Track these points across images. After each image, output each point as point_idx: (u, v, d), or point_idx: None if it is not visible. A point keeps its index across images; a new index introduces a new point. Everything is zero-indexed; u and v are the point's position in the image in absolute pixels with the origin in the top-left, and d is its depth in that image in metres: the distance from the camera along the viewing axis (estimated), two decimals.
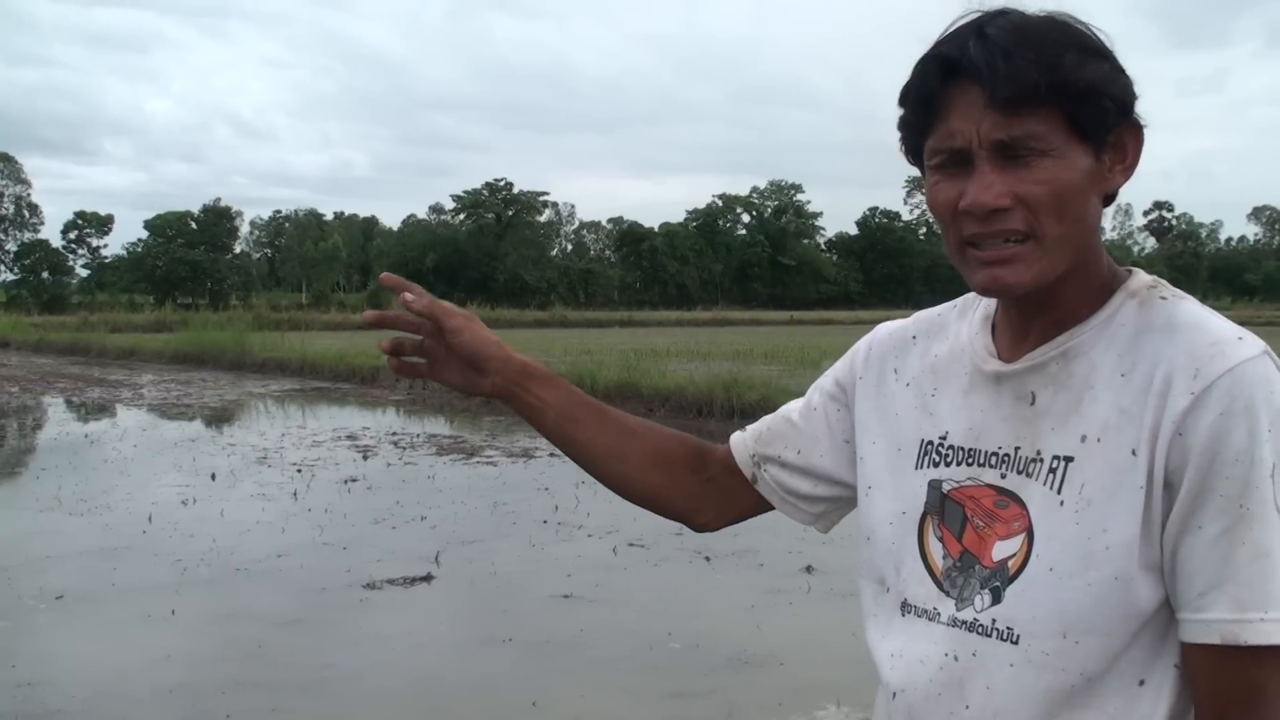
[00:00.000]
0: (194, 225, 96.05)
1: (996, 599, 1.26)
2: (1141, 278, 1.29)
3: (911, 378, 1.44)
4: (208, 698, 5.62)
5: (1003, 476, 1.29)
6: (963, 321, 1.41)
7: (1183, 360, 1.17)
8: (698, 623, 6.94)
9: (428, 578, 7.88)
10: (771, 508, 1.64)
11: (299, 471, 12.61)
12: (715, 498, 1.65)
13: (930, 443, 1.38)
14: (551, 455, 13.96)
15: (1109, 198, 1.27)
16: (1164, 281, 1.29)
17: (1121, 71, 1.22)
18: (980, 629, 1.27)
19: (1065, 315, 1.27)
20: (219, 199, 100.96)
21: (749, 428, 1.64)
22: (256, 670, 6.07)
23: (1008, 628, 1.24)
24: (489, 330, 1.63)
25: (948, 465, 1.35)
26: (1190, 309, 1.23)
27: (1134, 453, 1.18)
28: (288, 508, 10.50)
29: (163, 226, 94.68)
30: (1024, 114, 1.17)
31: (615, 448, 1.67)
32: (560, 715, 5.46)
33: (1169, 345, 1.20)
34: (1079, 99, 1.17)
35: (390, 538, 9.24)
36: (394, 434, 16.30)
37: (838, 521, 1.62)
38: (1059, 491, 1.23)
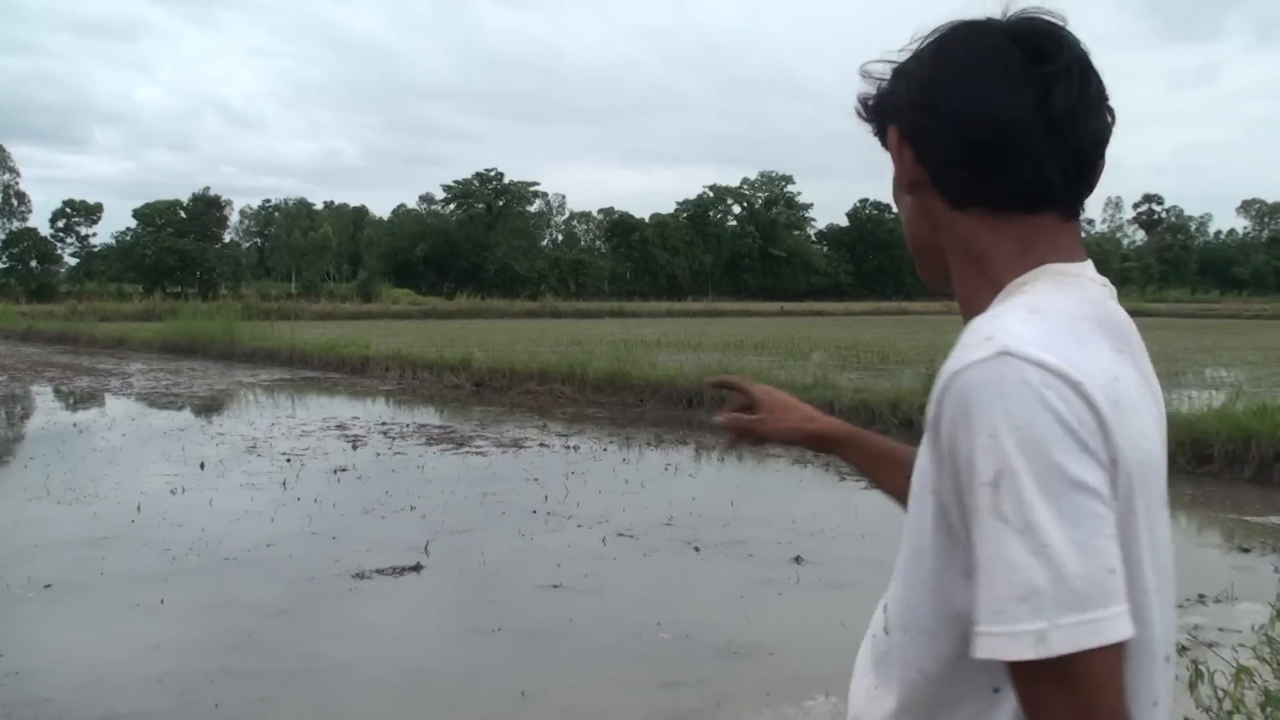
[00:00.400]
0: (183, 214, 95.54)
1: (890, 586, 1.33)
2: (1031, 273, 1.26)
3: None
4: (196, 687, 5.61)
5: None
6: None
7: (946, 363, 1.17)
8: (687, 613, 6.95)
9: (417, 567, 7.88)
10: None
11: (288, 461, 12.59)
12: None
13: None
14: (541, 445, 13.97)
15: (974, 190, 1.26)
16: (1055, 272, 1.26)
17: (882, 86, 1.35)
18: (884, 612, 1.33)
19: (968, 315, 1.29)
20: (208, 188, 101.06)
21: None
22: (245, 659, 6.06)
23: (887, 618, 1.30)
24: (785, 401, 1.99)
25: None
26: (999, 309, 1.21)
27: (931, 455, 1.20)
28: (277, 497, 10.48)
29: (152, 215, 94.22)
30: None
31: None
32: (549, 705, 5.46)
33: (954, 347, 1.19)
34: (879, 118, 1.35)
35: (379, 527, 9.23)
36: (383, 424, 16.28)
37: None
38: (916, 491, 1.25)
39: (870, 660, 1.35)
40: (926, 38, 1.31)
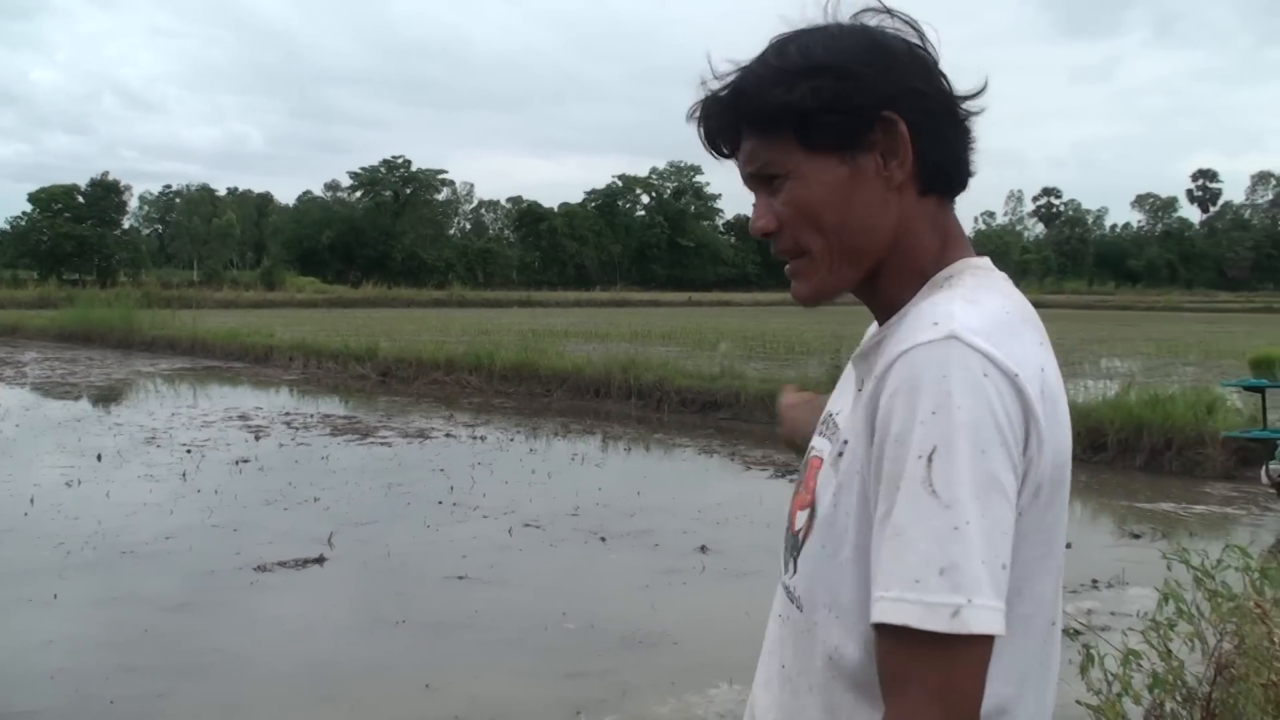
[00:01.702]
0: (81, 199, 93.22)
1: (796, 569, 1.32)
2: (956, 266, 1.31)
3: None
4: (92, 683, 5.50)
5: (812, 448, 1.38)
6: None
7: (889, 345, 1.21)
8: (593, 603, 6.95)
9: (320, 560, 7.79)
10: None
11: (189, 452, 12.36)
12: None
13: (828, 415, 1.44)
14: (448, 436, 13.89)
15: (940, 180, 1.30)
16: (981, 268, 1.31)
17: (855, 76, 1.24)
18: (791, 595, 1.33)
19: (893, 308, 1.31)
20: (107, 172, 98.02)
21: None
22: (143, 655, 5.95)
23: (799, 595, 1.31)
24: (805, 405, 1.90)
25: (819, 436, 1.42)
26: (939, 296, 1.25)
27: (862, 436, 1.23)
28: (177, 489, 10.30)
29: (47, 200, 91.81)
30: (758, 143, 1.29)
31: None
32: (454, 697, 5.44)
33: (896, 333, 1.23)
34: (793, 121, 1.25)
35: (282, 519, 9.11)
36: (287, 414, 16.07)
37: None
38: (837, 472, 1.27)
39: (779, 640, 1.36)
40: (821, 38, 1.28)
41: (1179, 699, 3.41)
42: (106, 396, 18.72)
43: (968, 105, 1.30)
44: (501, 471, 11.14)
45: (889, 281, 1.31)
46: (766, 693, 1.39)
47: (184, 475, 10.93)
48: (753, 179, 1.32)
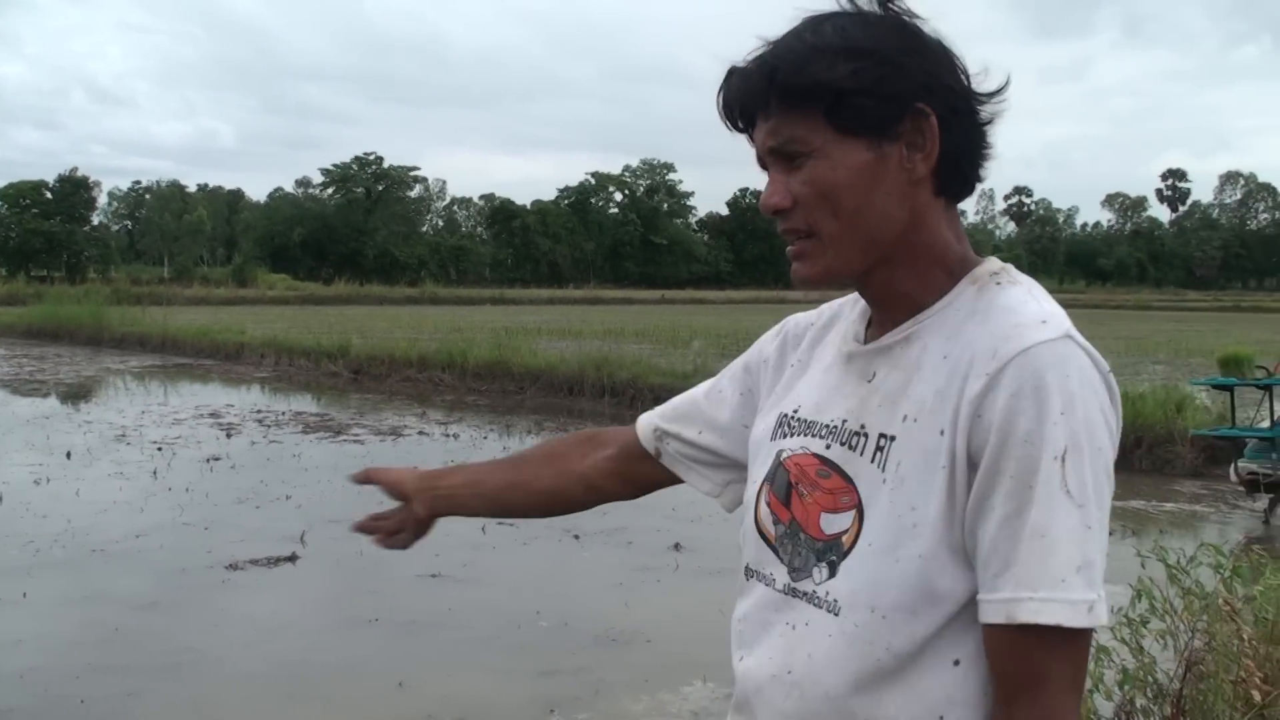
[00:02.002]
0: (49, 195, 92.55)
1: (833, 573, 1.28)
2: (989, 265, 1.31)
3: (798, 360, 1.48)
4: (61, 682, 5.46)
5: (827, 447, 1.32)
6: (854, 311, 1.44)
7: (986, 342, 1.20)
8: (566, 601, 6.95)
9: (292, 558, 7.76)
10: (677, 482, 1.67)
11: (159, 450, 12.29)
12: (620, 471, 1.69)
13: (785, 415, 1.41)
14: (420, 434, 13.86)
15: (956, 182, 1.29)
16: (1011, 268, 1.32)
17: (896, 65, 1.23)
18: (816, 600, 1.29)
19: (913, 304, 1.30)
20: (75, 168, 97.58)
21: (658, 407, 1.69)
22: (113, 654, 5.91)
23: (835, 600, 1.27)
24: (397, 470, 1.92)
25: (791, 437, 1.38)
26: (1014, 294, 1.26)
27: (942, 433, 1.21)
28: (147, 487, 10.23)
29: (16, 196, 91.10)
30: (786, 119, 1.26)
31: (522, 474, 1.77)
32: (427, 695, 5.42)
33: (981, 328, 1.22)
34: (828, 100, 1.23)
35: (254, 517, 9.07)
36: (259, 411, 15.99)
37: (734, 499, 1.62)
38: (882, 469, 1.25)
39: (785, 649, 1.31)
40: (858, 22, 1.25)
41: (1149, 695, 3.44)
42: (76, 394, 18.59)
43: (990, 107, 1.29)
44: None
45: (904, 275, 1.29)
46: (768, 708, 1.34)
47: (154, 473, 10.87)
48: (772, 154, 1.28)
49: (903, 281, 1.30)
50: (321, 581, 7.48)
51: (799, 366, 1.47)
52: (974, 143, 1.29)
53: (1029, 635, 1.15)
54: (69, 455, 11.83)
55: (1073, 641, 1.15)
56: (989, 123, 1.30)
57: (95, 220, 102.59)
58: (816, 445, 1.34)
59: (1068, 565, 1.14)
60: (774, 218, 1.30)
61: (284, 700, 5.40)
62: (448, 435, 13.80)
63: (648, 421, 1.66)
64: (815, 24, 1.26)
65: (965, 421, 1.19)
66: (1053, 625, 1.13)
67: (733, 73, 1.30)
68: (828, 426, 1.33)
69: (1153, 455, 11.66)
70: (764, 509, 1.38)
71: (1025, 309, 1.22)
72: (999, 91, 1.29)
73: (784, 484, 1.36)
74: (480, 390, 18.77)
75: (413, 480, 1.84)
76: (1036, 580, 1.14)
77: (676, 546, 8.13)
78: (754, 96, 1.27)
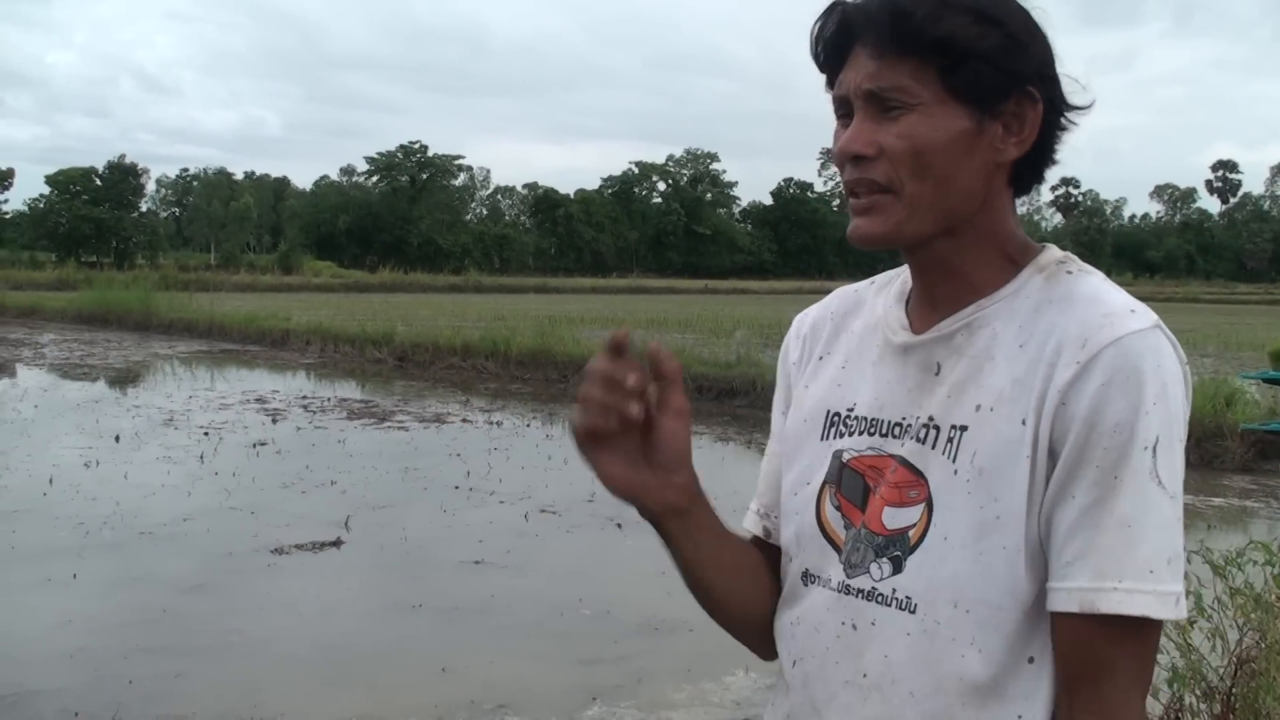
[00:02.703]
0: (98, 182, 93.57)
1: (897, 568, 1.25)
2: (1052, 253, 1.29)
3: (826, 352, 1.43)
4: (110, 662, 5.53)
5: (903, 446, 1.28)
6: (879, 297, 1.41)
7: (1074, 331, 1.18)
8: (609, 589, 6.96)
9: (337, 543, 7.81)
10: None
11: (206, 434, 12.41)
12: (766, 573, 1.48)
13: (837, 414, 1.37)
14: (464, 421, 13.92)
15: (1027, 177, 1.28)
16: (1074, 257, 1.30)
17: (1020, 43, 1.20)
18: (880, 598, 1.26)
19: (971, 288, 1.27)
20: (124, 155, 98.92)
21: (751, 504, 1.54)
22: (160, 635, 5.98)
23: (906, 597, 1.24)
24: None
25: (851, 435, 1.34)
26: (1092, 283, 1.24)
27: (1023, 422, 1.19)
28: (194, 471, 10.34)
29: (66, 182, 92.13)
30: (895, 66, 1.19)
31: (742, 571, 1.47)
32: (470, 681, 5.45)
33: (1064, 317, 1.20)
34: (951, 57, 1.18)
35: (299, 502, 9.14)
36: (304, 397, 16.11)
37: None
38: (954, 460, 1.23)
39: (851, 651, 1.28)
40: None
41: (1198, 693, 3.40)
42: (124, 378, 18.79)
43: (1075, 116, 1.27)
44: (518, 457, 11.14)
45: (967, 256, 1.26)
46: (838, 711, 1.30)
47: (201, 457, 10.98)
48: (867, 98, 1.21)
49: (962, 260, 1.27)
50: (365, 566, 7.53)
51: (829, 360, 1.42)
52: (1053, 143, 1.27)
53: (1103, 625, 1.13)
54: (118, 439, 11.97)
55: (1146, 634, 1.15)
56: (1066, 130, 1.27)
57: (143, 207, 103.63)
58: (892, 446, 1.29)
59: (1158, 556, 1.13)
60: (847, 165, 1.24)
61: (328, 683, 5.45)
62: (491, 423, 13.84)
63: (751, 513, 1.52)
64: None
65: (1051, 410, 1.17)
66: (1137, 616, 1.12)
67: (842, 3, 1.24)
68: (900, 425, 1.29)
69: (1201, 450, 11.50)
70: (832, 512, 1.34)
71: (1111, 298, 1.20)
72: (1087, 108, 1.27)
73: (859, 486, 1.31)
74: (523, 379, 18.82)
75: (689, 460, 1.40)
76: (1121, 570, 1.12)
77: None
78: (869, 32, 1.20)
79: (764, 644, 1.45)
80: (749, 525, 1.52)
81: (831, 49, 1.24)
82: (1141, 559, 1.12)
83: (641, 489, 1.35)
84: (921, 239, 1.24)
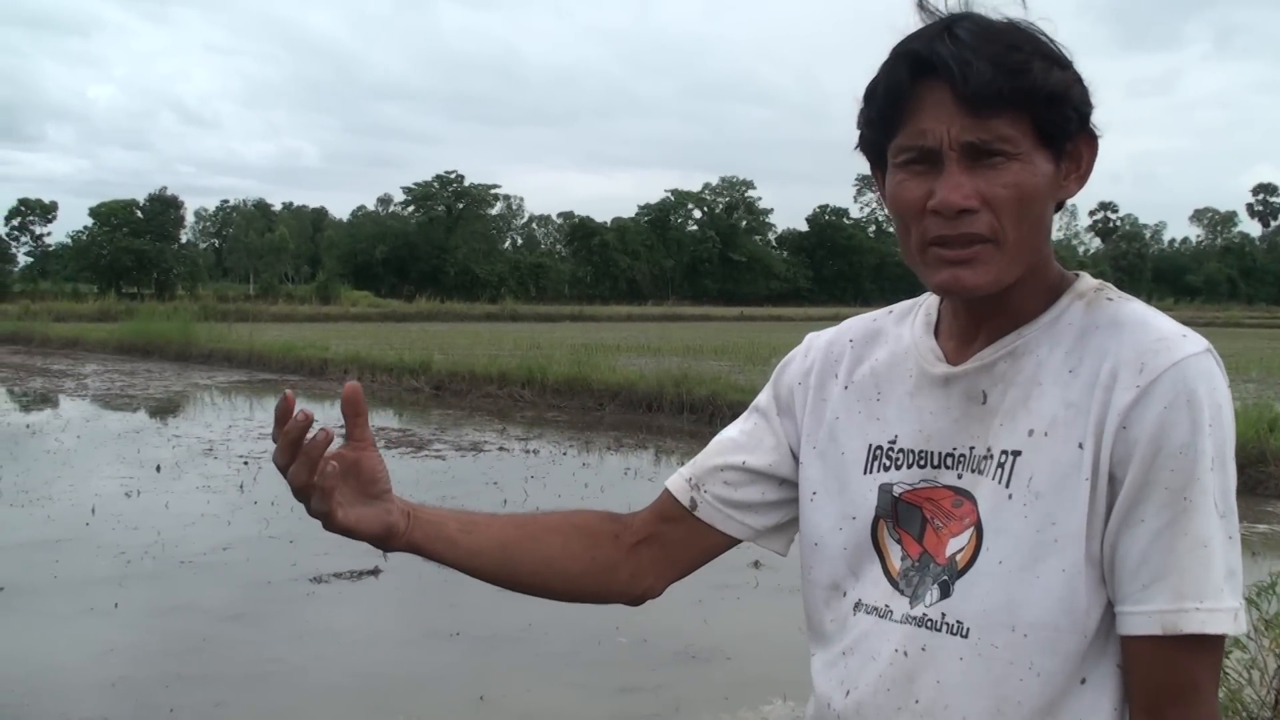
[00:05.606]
0: (139, 214, 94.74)
1: (945, 593, 1.26)
2: (1088, 280, 1.31)
3: (851, 382, 1.43)
4: (150, 691, 5.57)
5: (959, 477, 1.29)
6: (902, 326, 1.42)
7: (1129, 355, 1.19)
8: (645, 617, 6.91)
9: (375, 572, 7.84)
10: (712, 554, 1.60)
11: (245, 464, 12.49)
12: (650, 557, 1.59)
13: (879, 448, 1.37)
14: (500, 449, 13.94)
15: (1058, 205, 1.29)
16: (1110, 284, 1.31)
17: (1080, 81, 1.22)
18: (930, 623, 1.26)
19: (1014, 316, 1.28)
20: (165, 188, 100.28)
21: (683, 467, 1.57)
22: (200, 664, 6.02)
23: (957, 621, 1.24)
24: None
25: (898, 469, 1.35)
26: (1135, 309, 1.25)
27: (1080, 446, 1.20)
28: (234, 500, 10.41)
29: (108, 214, 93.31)
30: (994, 116, 1.17)
31: (526, 534, 1.51)
32: (507, 710, 5.45)
33: (1115, 341, 1.21)
34: (1046, 105, 1.18)
35: None
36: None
37: (788, 537, 1.54)
38: (1007, 485, 1.24)
39: (905, 678, 1.28)
40: (1029, 30, 1.22)
41: None
42: (165, 408, 18.96)
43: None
44: (554, 485, 11.13)
45: (1026, 290, 1.27)
46: None
47: (241, 487, 11.05)
48: (967, 149, 1.18)
49: (1018, 295, 1.27)
50: (403, 595, 7.55)
51: (857, 391, 1.42)
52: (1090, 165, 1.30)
53: (1183, 645, 1.15)
54: (158, 469, 12.08)
55: (1219, 649, 1.19)
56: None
57: (183, 238, 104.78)
58: (947, 477, 1.30)
59: (1224, 575, 1.15)
60: (936, 216, 1.21)
61: (366, 712, 5.46)
62: (527, 451, 13.87)
63: (679, 478, 1.55)
64: (1012, 27, 1.21)
65: (1110, 433, 1.18)
66: (1214, 634, 1.15)
67: (915, 51, 1.20)
68: (952, 456, 1.30)
69: (1244, 475, 11.37)
70: (891, 546, 1.34)
71: (1159, 323, 1.22)
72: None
73: (917, 519, 1.32)
74: (560, 406, 18.85)
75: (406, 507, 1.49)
76: (1200, 590, 1.14)
77: (756, 564, 8.09)
78: (967, 83, 1.16)
79: (616, 590, 1.60)
80: (673, 489, 1.54)
81: (900, 97, 1.22)
82: (1214, 579, 1.15)
83: (371, 519, 1.44)
84: (1014, 281, 1.25)
